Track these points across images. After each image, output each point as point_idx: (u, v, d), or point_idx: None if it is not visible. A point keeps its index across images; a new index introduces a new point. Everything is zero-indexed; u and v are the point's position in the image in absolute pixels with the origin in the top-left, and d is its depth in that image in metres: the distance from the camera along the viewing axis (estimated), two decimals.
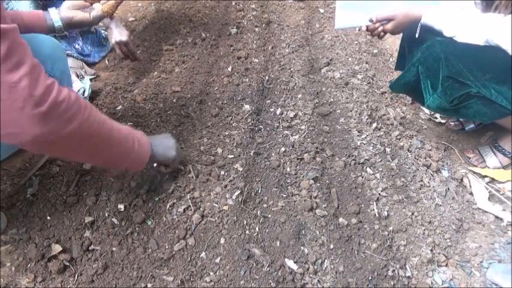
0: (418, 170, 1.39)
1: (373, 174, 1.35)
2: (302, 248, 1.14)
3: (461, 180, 1.39)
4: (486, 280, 1.12)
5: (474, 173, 1.41)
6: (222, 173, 1.33)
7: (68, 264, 1.07)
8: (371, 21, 1.30)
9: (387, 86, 1.71)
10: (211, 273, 1.08)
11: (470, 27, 1.10)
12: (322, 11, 2.32)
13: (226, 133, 1.49)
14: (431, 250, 1.16)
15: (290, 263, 1.10)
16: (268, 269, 1.08)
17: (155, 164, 1.21)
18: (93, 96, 1.62)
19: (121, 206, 1.20)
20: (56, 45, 0.87)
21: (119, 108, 1.59)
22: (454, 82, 1.18)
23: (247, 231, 1.16)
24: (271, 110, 1.62)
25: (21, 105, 0.69)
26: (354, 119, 1.56)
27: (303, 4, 2.37)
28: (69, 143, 0.80)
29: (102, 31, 1.93)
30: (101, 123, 0.87)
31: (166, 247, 1.12)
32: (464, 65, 1.14)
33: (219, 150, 1.41)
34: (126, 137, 0.98)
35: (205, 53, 1.91)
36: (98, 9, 1.32)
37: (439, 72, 1.20)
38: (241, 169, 1.33)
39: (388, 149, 1.44)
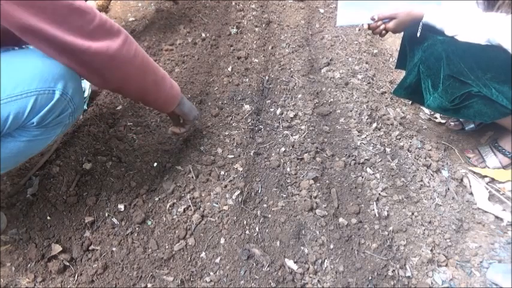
0: (418, 170, 1.38)
1: (373, 174, 1.35)
2: (302, 248, 1.14)
3: (461, 180, 1.39)
4: (486, 280, 1.11)
5: (474, 173, 1.41)
6: (222, 173, 1.33)
7: (68, 264, 1.07)
8: (373, 19, 1.30)
9: (390, 93, 1.70)
10: (211, 273, 1.07)
11: (472, 26, 1.10)
12: (322, 11, 2.32)
13: (226, 133, 1.49)
14: (431, 250, 1.16)
15: (290, 263, 1.10)
16: (268, 269, 1.08)
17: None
18: (93, 96, 1.62)
19: (121, 206, 1.20)
20: None
21: (118, 108, 1.59)
22: (455, 81, 1.18)
23: (247, 231, 1.16)
24: (271, 110, 1.62)
25: (80, 24, 0.82)
26: (354, 119, 1.56)
27: (303, 4, 2.37)
28: (127, 58, 0.92)
29: None
30: (139, 48, 0.99)
31: (166, 247, 1.12)
32: (466, 64, 1.14)
33: (219, 150, 1.41)
34: (159, 69, 1.09)
35: (205, 53, 1.91)
36: (92, 4, 1.33)
37: (440, 71, 1.20)
38: (241, 169, 1.33)
39: (388, 149, 1.44)
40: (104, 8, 1.37)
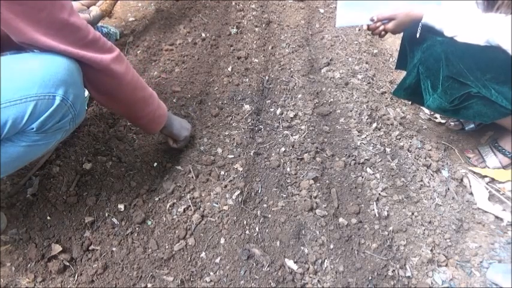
0: (418, 170, 1.39)
1: (373, 174, 1.35)
2: (302, 248, 1.14)
3: (461, 180, 1.39)
4: (486, 280, 1.12)
5: (474, 173, 1.41)
6: (222, 173, 1.33)
7: (68, 264, 1.07)
8: (372, 20, 1.30)
9: (390, 93, 1.70)
10: (211, 273, 1.08)
11: (471, 27, 1.10)
12: (322, 11, 2.32)
13: (226, 133, 1.49)
14: (431, 250, 1.16)
15: (290, 263, 1.10)
16: (268, 269, 1.08)
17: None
18: None
19: (121, 206, 1.20)
20: (72, 70, 0.88)
21: None
22: (455, 82, 1.18)
23: (247, 231, 1.16)
24: (271, 110, 1.62)
25: (73, 39, 0.86)
26: (354, 119, 1.56)
27: (303, 4, 2.37)
28: (119, 73, 0.96)
29: (104, 29, 1.93)
30: (130, 65, 1.04)
31: (166, 247, 1.12)
32: (465, 65, 1.14)
33: (219, 150, 1.41)
34: (148, 88, 1.13)
35: (205, 53, 1.91)
36: (96, 9, 1.34)
37: (440, 72, 1.20)
38: (241, 169, 1.33)
39: (388, 149, 1.44)
40: (108, 13, 1.38)
